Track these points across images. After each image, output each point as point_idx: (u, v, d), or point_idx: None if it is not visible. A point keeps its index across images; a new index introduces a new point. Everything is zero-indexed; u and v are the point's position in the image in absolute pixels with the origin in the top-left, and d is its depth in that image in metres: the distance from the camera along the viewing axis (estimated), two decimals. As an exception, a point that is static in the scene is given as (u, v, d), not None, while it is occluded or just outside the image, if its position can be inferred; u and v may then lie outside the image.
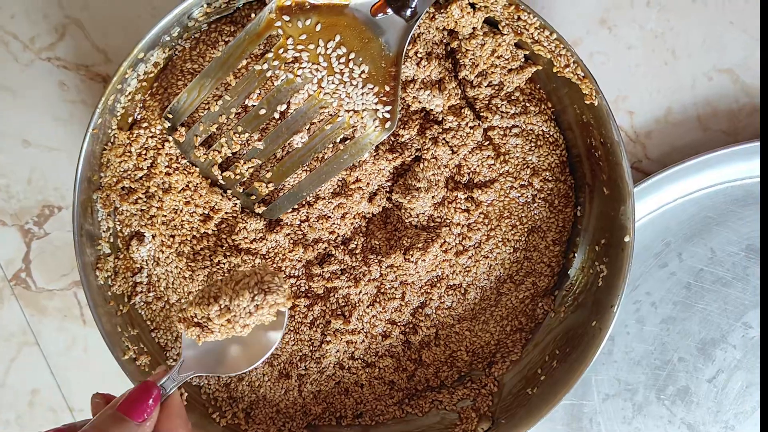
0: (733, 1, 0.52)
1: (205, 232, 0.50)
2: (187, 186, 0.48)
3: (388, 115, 0.46)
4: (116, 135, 0.46)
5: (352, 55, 0.44)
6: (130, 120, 0.47)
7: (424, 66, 0.47)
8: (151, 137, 0.47)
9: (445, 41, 0.48)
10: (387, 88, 0.45)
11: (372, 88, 0.45)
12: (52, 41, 0.51)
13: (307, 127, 0.47)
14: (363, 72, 0.45)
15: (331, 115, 0.47)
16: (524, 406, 0.49)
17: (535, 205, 0.51)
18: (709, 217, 0.52)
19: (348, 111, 0.46)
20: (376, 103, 0.46)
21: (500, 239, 0.51)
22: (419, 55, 0.47)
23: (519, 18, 0.45)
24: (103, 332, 0.46)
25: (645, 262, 0.52)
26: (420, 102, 0.48)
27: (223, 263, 0.50)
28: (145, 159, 0.47)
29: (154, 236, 0.49)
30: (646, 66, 0.52)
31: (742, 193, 0.52)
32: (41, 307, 0.54)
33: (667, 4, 0.52)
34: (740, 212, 0.52)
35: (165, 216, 0.49)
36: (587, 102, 0.46)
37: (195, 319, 0.40)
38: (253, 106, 0.47)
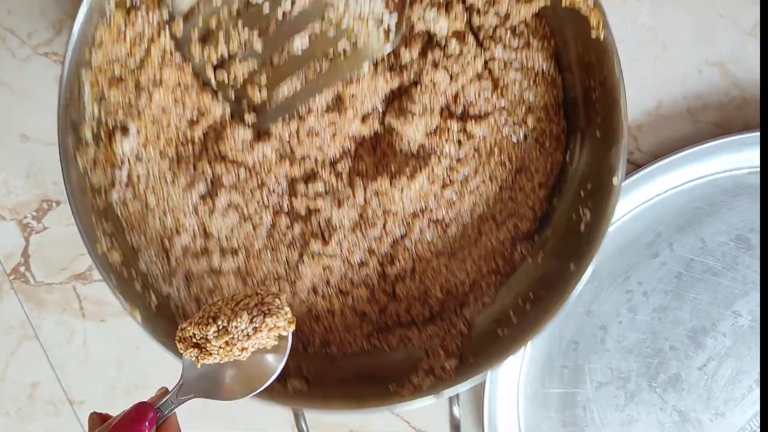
0: (723, -7, 0.53)
1: (191, 137, 0.49)
2: (178, 84, 0.47)
3: (393, 26, 0.46)
4: (113, 14, 0.45)
5: (365, -44, 0.44)
6: (128, 3, 0.46)
7: (435, -17, 0.47)
8: (149, 24, 0.46)
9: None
10: (396, -5, 0.45)
11: (382, -7, 0.45)
12: (49, 36, 0.52)
13: (308, 32, 0.47)
14: (375, -26, 0.44)
15: (333, 20, 0.46)
16: (493, 346, 0.49)
17: (526, 144, 0.51)
18: (700, 207, 0.53)
19: (353, 16, 0.46)
20: (383, 9, 0.45)
21: (488, 176, 0.51)
22: (427, -29, 0.47)
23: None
24: (78, 221, 0.45)
25: (637, 252, 0.53)
26: (425, 23, 0.48)
27: (207, 171, 0.49)
28: (139, 47, 0.46)
29: (138, 131, 0.48)
30: (637, 59, 0.54)
31: (731, 184, 0.53)
32: (40, 301, 0.55)
33: (658, -1, 0.53)
34: (730, 203, 0.53)
35: (152, 113, 0.48)
36: (593, 36, 0.46)
37: (193, 340, 0.39)
38: (257, 3, 0.46)
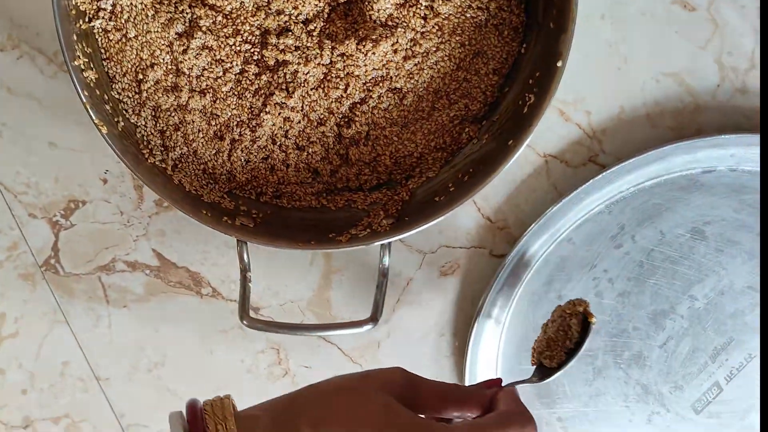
0: (677, 14, 0.59)
1: None
2: None
3: None
4: None
5: None
6: None
7: None
8: None
9: None
10: None
11: None
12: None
13: None
14: None
15: None
16: (429, 209, 0.53)
17: (487, 29, 0.54)
18: (658, 204, 0.58)
19: None
20: None
21: (447, 54, 0.54)
22: None
23: None
24: (59, 31, 0.48)
25: (602, 244, 0.59)
26: None
27: (187, 13, 0.52)
28: None
29: None
30: (601, 71, 0.59)
31: (686, 182, 0.58)
32: (69, 290, 0.60)
33: (620, 17, 0.59)
34: (686, 198, 0.58)
35: None
36: None
37: None
38: None
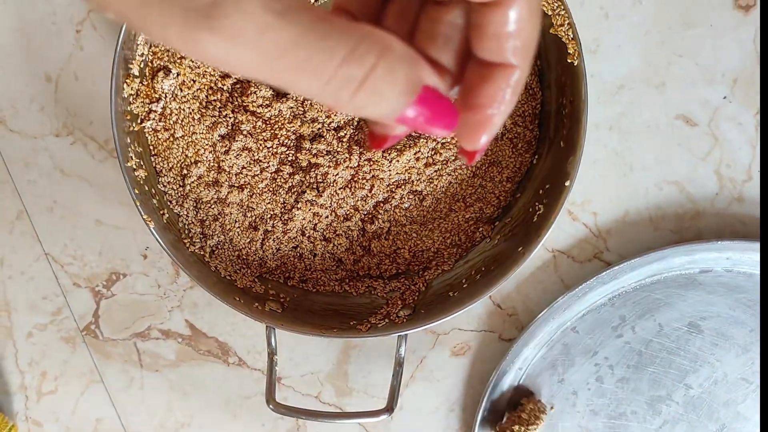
0: (680, 128, 0.63)
1: (221, 87, 0.57)
2: None
3: None
4: None
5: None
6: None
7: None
8: None
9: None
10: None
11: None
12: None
13: None
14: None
15: None
16: (442, 304, 0.57)
17: (502, 142, 0.59)
18: (658, 299, 0.62)
19: None
20: None
21: (465, 163, 0.59)
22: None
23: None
24: (116, 136, 0.53)
25: (604, 333, 0.63)
26: None
27: (230, 117, 0.57)
28: None
29: (178, 74, 0.56)
30: (608, 177, 0.63)
31: (685, 281, 0.62)
32: (106, 353, 0.66)
33: (626, 129, 0.63)
34: (684, 295, 0.62)
35: (192, 61, 0.55)
36: (569, 61, 0.53)
37: None
38: None
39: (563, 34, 0.53)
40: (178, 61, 0.56)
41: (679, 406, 0.63)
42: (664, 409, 0.63)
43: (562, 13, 0.53)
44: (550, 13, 0.53)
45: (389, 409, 0.55)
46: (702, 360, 0.63)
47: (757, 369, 0.63)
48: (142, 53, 0.55)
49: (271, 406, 0.54)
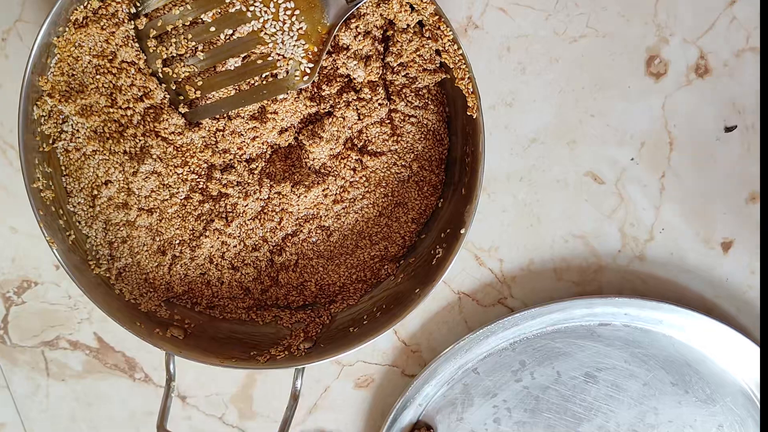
0: (588, 185, 0.65)
1: (135, 110, 0.57)
2: (132, 62, 0.55)
3: (308, 71, 0.54)
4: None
5: (297, 12, 0.53)
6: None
7: (359, 41, 0.56)
8: (120, 12, 0.54)
9: (384, 27, 0.57)
10: (315, 50, 0.54)
11: (303, 44, 0.54)
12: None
13: (243, 56, 0.55)
14: (300, 29, 0.53)
15: (263, 53, 0.55)
16: (342, 339, 0.58)
17: (409, 185, 0.60)
18: (558, 347, 0.65)
19: (279, 55, 0.54)
20: (302, 57, 0.54)
21: (371, 202, 0.60)
22: (359, 30, 0.56)
23: (438, 28, 0.54)
24: (22, 159, 0.54)
25: (504, 376, 0.65)
26: (347, 68, 0.57)
27: (140, 140, 0.57)
28: (105, 30, 0.54)
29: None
30: (515, 226, 0.65)
31: (584, 332, 0.64)
32: (13, 359, 0.66)
33: (537, 181, 0.65)
34: (582, 344, 0.65)
35: (107, 80, 0.56)
36: (469, 113, 0.54)
37: None
38: (208, 21, 0.54)
39: (464, 87, 0.55)
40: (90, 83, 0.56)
41: (573, 451, 0.65)
42: (559, 452, 0.65)
43: (463, 67, 0.54)
44: (452, 66, 0.55)
45: None
46: (596, 409, 0.65)
47: (649, 422, 0.65)
48: (55, 74, 0.55)
49: (159, 432, 0.55)
